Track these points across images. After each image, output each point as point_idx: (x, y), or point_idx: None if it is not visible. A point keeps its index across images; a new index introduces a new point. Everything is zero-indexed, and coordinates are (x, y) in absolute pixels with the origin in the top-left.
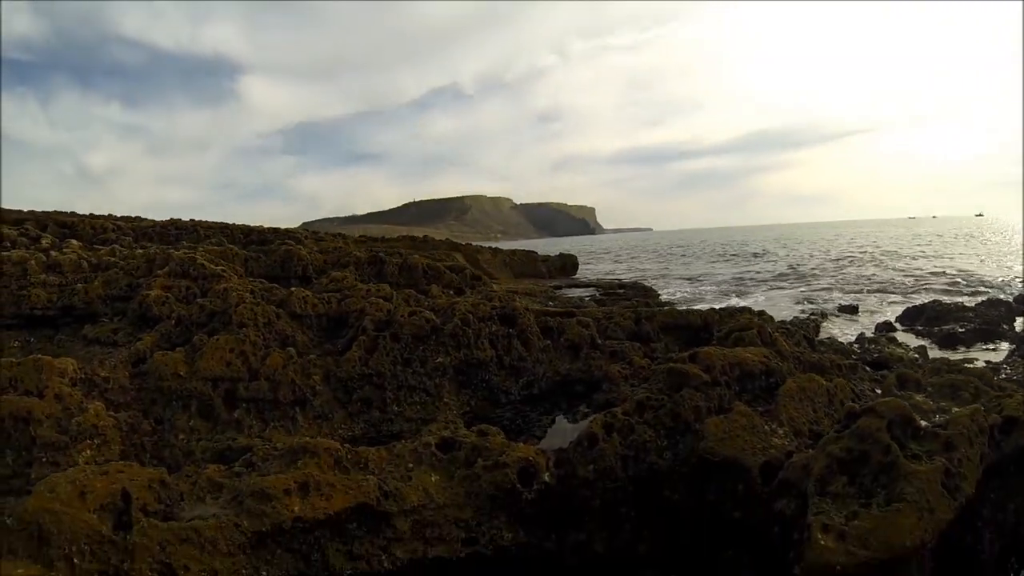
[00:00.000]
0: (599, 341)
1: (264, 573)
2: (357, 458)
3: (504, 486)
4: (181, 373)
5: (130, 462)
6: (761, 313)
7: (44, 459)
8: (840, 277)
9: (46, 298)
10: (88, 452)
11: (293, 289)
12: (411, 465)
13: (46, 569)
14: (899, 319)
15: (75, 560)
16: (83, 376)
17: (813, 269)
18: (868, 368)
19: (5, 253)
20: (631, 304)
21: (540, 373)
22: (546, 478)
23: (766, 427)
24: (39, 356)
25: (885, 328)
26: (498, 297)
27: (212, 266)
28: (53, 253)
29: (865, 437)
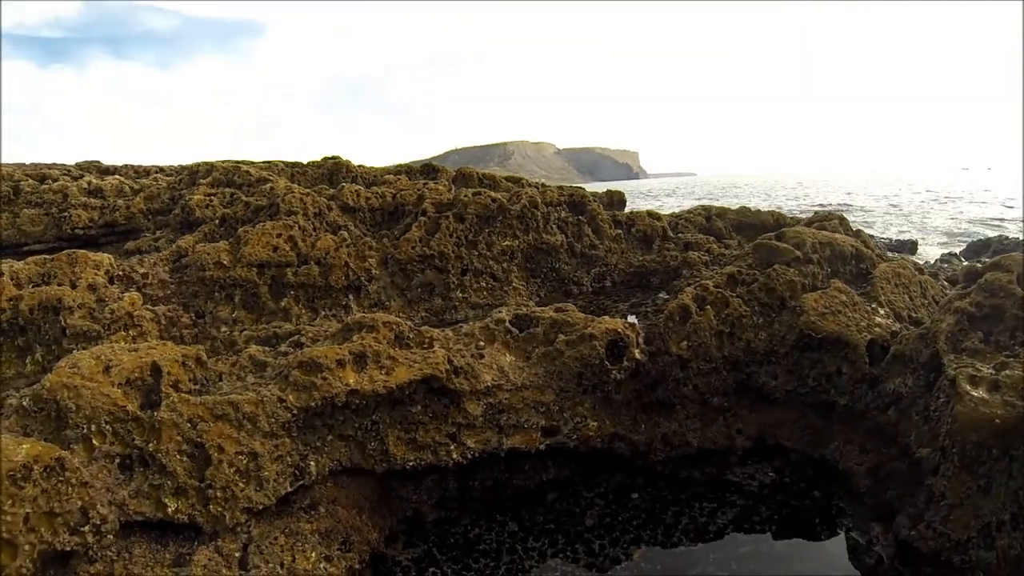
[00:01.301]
0: (671, 234)
1: (313, 464)
2: (421, 337)
3: (591, 362)
4: (224, 262)
5: (164, 341)
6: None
7: (74, 350)
8: (897, 218)
9: (87, 218)
10: (122, 343)
11: (344, 184)
12: (483, 343)
13: (63, 449)
14: (963, 253)
15: (94, 441)
16: (120, 273)
17: (866, 208)
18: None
19: (46, 185)
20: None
21: (613, 263)
22: (636, 354)
23: (867, 306)
24: (73, 250)
25: (949, 259)
26: (562, 189)
27: (257, 172)
28: (94, 180)
29: (995, 291)
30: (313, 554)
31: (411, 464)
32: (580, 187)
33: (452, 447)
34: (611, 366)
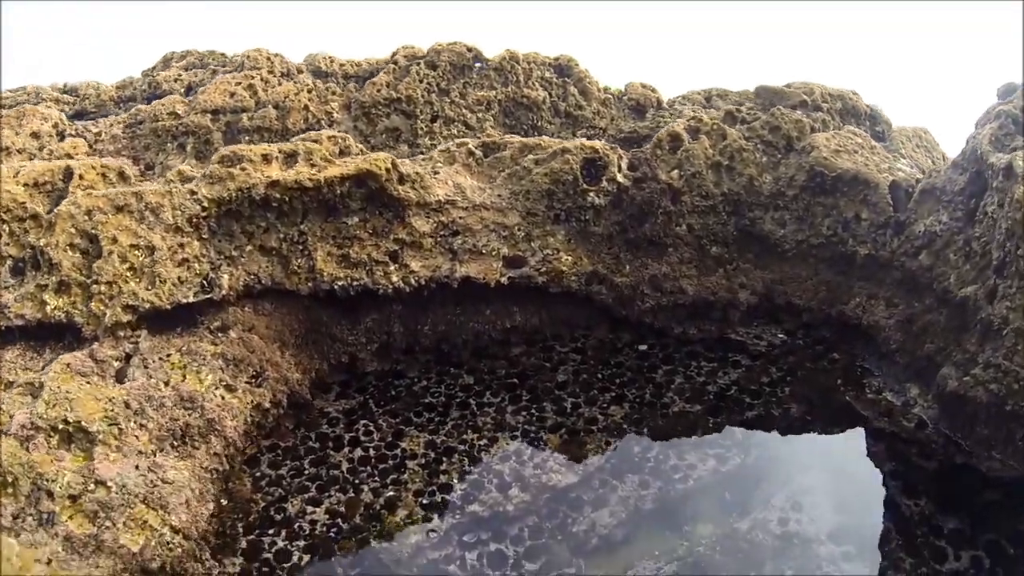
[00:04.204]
0: (666, 104)
1: (226, 277)
2: (368, 152)
3: (563, 178)
4: (179, 112)
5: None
6: None
7: None
8: None
9: (57, 115)
10: None
11: (317, 52)
12: (440, 164)
13: None
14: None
15: None
16: (72, 133)
17: None
18: None
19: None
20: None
21: (601, 128)
22: (619, 177)
23: (887, 154)
24: (24, 106)
25: None
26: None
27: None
28: (69, 84)
29: None
30: (209, 377)
31: (341, 284)
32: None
33: (392, 268)
34: (588, 187)
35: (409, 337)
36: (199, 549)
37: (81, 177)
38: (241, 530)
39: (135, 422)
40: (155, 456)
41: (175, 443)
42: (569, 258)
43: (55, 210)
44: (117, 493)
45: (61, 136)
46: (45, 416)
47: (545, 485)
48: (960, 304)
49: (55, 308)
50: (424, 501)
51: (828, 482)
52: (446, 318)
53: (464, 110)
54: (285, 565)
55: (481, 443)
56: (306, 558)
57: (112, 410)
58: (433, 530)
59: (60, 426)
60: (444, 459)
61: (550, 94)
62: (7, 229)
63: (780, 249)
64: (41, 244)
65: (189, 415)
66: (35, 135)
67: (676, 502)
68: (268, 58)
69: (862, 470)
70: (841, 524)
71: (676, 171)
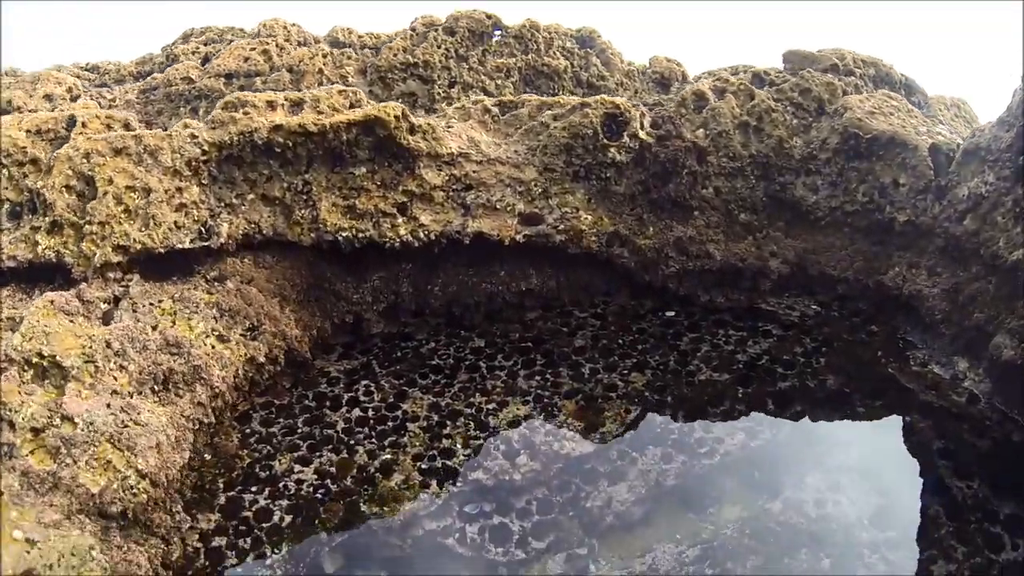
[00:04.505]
0: (691, 79)
1: (225, 225)
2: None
3: (583, 132)
4: (192, 76)
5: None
6: None
7: None
8: None
9: (72, 80)
10: None
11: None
12: (454, 120)
13: None
14: None
15: None
16: (87, 97)
17: None
18: None
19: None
20: None
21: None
22: (641, 134)
23: (925, 118)
24: (40, 71)
25: None
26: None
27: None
28: (91, 63)
29: None
30: (201, 325)
31: (345, 235)
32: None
33: (400, 221)
34: (609, 142)
35: (418, 298)
36: (169, 500)
37: (84, 125)
38: (221, 486)
39: (114, 362)
40: (131, 398)
41: (156, 387)
42: (589, 217)
43: (54, 153)
44: (83, 430)
45: (74, 100)
46: (19, 348)
47: (557, 454)
48: (1011, 269)
49: (46, 248)
50: (423, 466)
51: (869, 460)
52: (457, 279)
53: (483, 76)
54: (264, 525)
55: (489, 407)
56: (288, 519)
57: (91, 347)
58: (432, 497)
59: (34, 359)
60: (448, 423)
61: (571, 64)
62: (7, 173)
63: (812, 217)
64: (38, 187)
65: (174, 360)
66: (48, 97)
67: (701, 479)
68: (285, 27)
69: (907, 448)
70: (884, 507)
71: (701, 130)
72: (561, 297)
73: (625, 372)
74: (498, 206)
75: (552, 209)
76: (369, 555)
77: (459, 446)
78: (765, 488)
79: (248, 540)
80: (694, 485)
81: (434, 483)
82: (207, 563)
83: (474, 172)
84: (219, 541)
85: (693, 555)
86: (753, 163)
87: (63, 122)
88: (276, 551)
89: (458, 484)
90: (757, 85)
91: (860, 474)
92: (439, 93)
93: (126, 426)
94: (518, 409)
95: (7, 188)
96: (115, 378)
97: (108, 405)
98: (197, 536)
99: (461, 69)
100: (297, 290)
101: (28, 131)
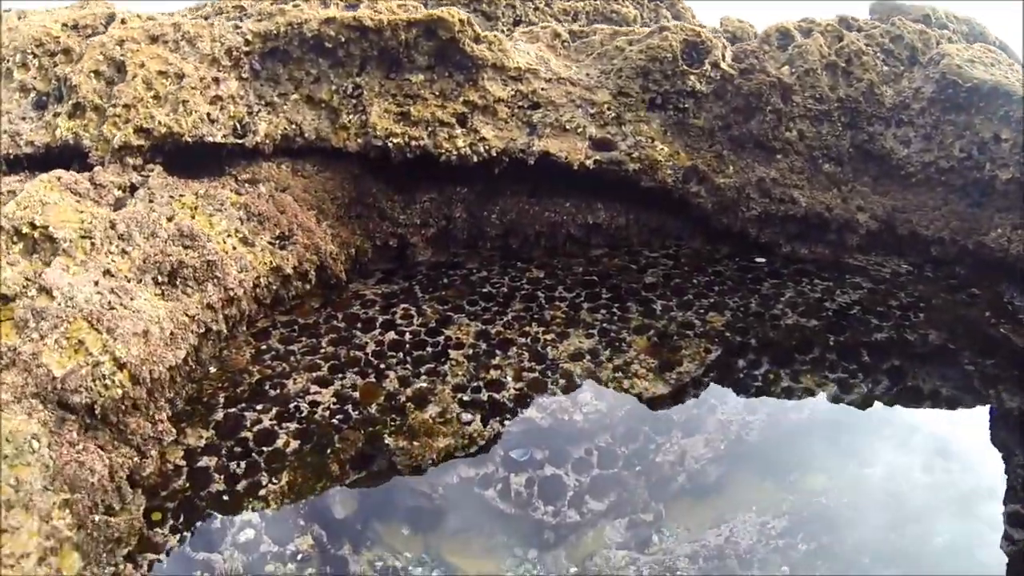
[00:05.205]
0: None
1: (263, 124)
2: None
3: (661, 56)
4: (244, 5)
5: None
6: None
7: None
8: None
9: None
10: None
11: None
12: (523, 42)
13: None
14: None
15: (16, 73)
16: None
17: None
18: None
19: None
20: None
21: None
22: (723, 65)
23: None
24: None
25: None
26: None
27: None
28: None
29: None
30: (223, 223)
31: (396, 142)
32: None
33: (459, 132)
34: (689, 69)
35: (472, 226)
36: (152, 404)
37: (123, 22)
38: (222, 400)
39: (116, 245)
40: (127, 283)
41: (160, 278)
42: (665, 148)
43: (87, 41)
44: (60, 304)
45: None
46: (11, 216)
47: (627, 393)
48: None
49: (65, 130)
50: (465, 398)
51: (985, 423)
52: (518, 206)
53: (549, 18)
54: (265, 448)
55: (548, 337)
56: (294, 444)
57: (90, 223)
58: (472, 436)
59: (25, 229)
60: (498, 352)
61: (641, 14)
62: (36, 63)
63: (903, 172)
64: (69, 77)
65: (185, 253)
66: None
67: (787, 436)
68: None
69: None
70: (1006, 478)
71: (787, 67)
72: (630, 237)
73: (702, 311)
74: (567, 127)
75: (626, 136)
76: (390, 502)
77: (509, 378)
78: (864, 450)
79: (242, 464)
80: (780, 442)
81: (476, 419)
82: (187, 484)
83: (543, 89)
84: (207, 461)
85: (780, 527)
86: (841, 108)
87: (102, 18)
88: (275, 480)
89: (506, 423)
90: (844, 27)
91: (975, 439)
92: (503, 31)
93: (112, 308)
94: (580, 342)
95: (36, 77)
96: (113, 260)
97: (96, 283)
98: (181, 452)
99: (527, 8)
100: (338, 204)
101: (64, 24)
